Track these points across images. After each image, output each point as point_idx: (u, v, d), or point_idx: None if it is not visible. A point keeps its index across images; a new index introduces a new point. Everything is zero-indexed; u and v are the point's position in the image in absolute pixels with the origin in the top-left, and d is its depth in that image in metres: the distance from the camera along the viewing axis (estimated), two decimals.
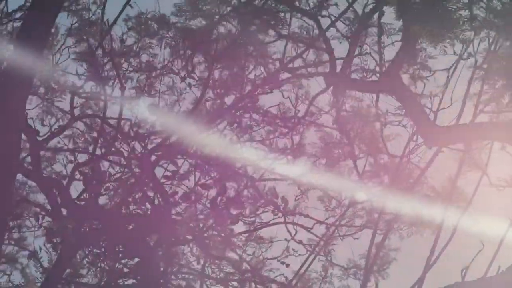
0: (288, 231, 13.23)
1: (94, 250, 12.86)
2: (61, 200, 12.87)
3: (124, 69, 13.09)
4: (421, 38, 11.28)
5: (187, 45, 12.61)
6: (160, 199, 12.89)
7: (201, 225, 12.99)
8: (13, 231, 13.39)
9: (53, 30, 12.85)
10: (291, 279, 13.29)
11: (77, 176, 13.11)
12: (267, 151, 13.23)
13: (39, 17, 11.85)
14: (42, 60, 12.54)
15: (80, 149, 13.21)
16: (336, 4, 12.46)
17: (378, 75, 12.65)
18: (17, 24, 12.81)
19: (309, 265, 13.19)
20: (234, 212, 13.03)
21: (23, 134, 12.66)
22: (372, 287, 13.50)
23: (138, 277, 12.80)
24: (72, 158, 13.24)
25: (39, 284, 13.08)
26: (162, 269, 12.80)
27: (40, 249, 13.07)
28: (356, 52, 12.60)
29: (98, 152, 13.14)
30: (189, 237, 12.94)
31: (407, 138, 13.30)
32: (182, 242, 13.02)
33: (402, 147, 13.31)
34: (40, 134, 13.12)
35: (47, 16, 12.00)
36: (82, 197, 13.02)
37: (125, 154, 13.01)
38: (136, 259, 12.87)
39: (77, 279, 12.98)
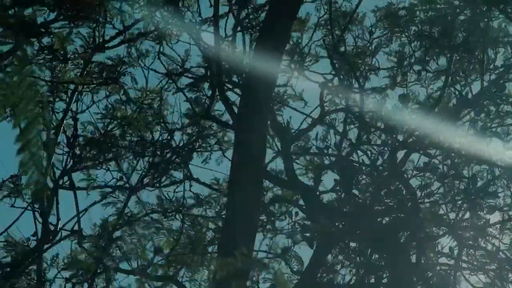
0: None
1: (350, 245, 12.95)
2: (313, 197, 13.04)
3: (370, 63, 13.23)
4: None
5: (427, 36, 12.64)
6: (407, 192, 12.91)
7: (454, 215, 12.97)
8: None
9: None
10: None
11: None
12: None
13: (279, 17, 12.11)
14: (282, 60, 12.69)
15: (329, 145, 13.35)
16: None
17: None
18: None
19: None
20: (488, 201, 12.97)
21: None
22: None
23: (392, 270, 12.82)
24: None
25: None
26: (415, 261, 12.78)
27: (294, 246, 13.25)
28: None
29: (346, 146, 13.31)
30: (443, 227, 12.92)
31: None
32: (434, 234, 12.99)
33: None
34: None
35: (288, 14, 12.23)
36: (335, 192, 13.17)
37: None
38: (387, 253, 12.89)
39: (332, 275, 13.06)
